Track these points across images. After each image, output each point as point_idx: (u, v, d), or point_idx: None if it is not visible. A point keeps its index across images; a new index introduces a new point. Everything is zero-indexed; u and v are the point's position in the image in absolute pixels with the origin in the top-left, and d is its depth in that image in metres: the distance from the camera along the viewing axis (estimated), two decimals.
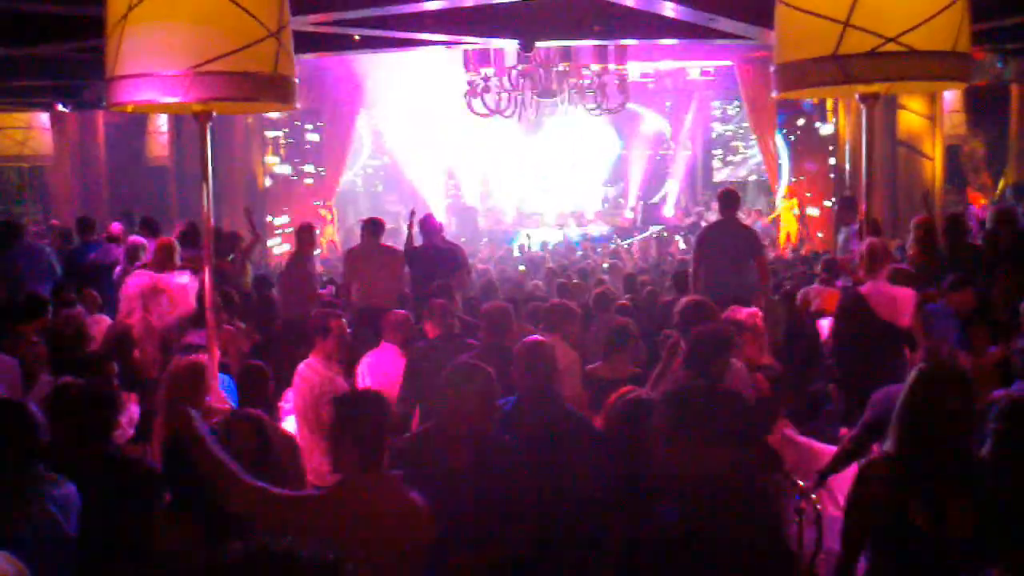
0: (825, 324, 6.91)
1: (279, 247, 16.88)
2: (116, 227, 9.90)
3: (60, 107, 14.07)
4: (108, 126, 16.80)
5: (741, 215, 11.41)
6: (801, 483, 4.51)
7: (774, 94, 4.31)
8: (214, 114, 4.15)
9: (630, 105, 15.17)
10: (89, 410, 3.53)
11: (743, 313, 5.23)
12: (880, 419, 3.74)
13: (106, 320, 6.82)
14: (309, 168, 19.14)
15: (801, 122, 17.87)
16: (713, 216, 15.08)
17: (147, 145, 16.86)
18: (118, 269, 8.17)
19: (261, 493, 2.91)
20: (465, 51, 12.14)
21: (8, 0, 8.03)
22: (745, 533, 2.64)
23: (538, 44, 10.17)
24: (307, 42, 8.97)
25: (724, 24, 8.82)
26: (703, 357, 4.03)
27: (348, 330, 5.74)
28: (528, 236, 19.47)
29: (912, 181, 14.05)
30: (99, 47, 3.89)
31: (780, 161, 17.94)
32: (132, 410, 5.22)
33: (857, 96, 4.38)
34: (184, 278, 5.89)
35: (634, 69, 18.10)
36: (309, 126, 19.10)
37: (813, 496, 4.42)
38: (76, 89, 12.58)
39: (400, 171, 21.02)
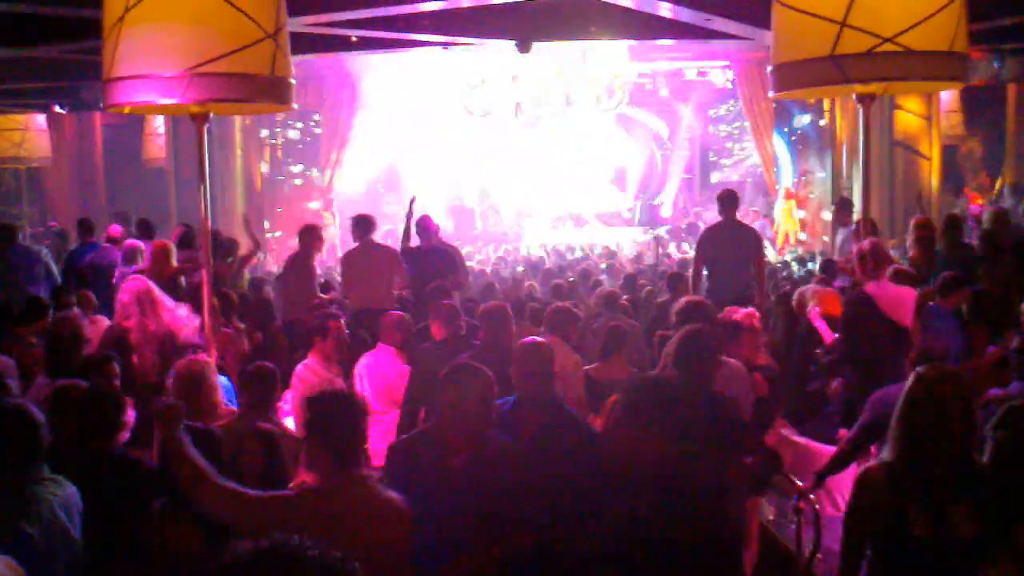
0: (822, 324, 6.89)
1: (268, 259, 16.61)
2: (115, 229, 9.90)
3: (57, 108, 14.08)
4: (105, 128, 16.82)
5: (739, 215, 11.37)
6: (799, 483, 4.52)
7: (771, 94, 4.32)
8: (211, 115, 4.16)
9: (627, 107, 15.18)
10: (91, 410, 3.53)
11: (740, 313, 5.22)
12: (878, 420, 3.74)
13: (104, 320, 6.78)
14: (295, 168, 18.78)
15: (806, 120, 17.85)
16: (712, 216, 15.07)
17: (144, 146, 16.82)
18: (117, 272, 8.16)
19: (231, 493, 2.88)
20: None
21: (6, 1, 8.03)
22: (685, 528, 2.64)
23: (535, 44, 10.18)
24: (304, 43, 8.97)
25: (721, 24, 8.84)
26: (687, 357, 4.02)
27: (346, 332, 5.74)
28: (528, 237, 19.45)
29: (909, 181, 14.04)
30: (96, 48, 3.89)
31: (780, 162, 17.94)
32: (128, 414, 5.19)
33: (854, 96, 4.39)
34: (182, 311, 5.74)
35: (632, 70, 18.19)
36: (299, 125, 18.85)
37: (811, 496, 4.43)
38: (73, 90, 12.56)
39: (400, 172, 20.96)
